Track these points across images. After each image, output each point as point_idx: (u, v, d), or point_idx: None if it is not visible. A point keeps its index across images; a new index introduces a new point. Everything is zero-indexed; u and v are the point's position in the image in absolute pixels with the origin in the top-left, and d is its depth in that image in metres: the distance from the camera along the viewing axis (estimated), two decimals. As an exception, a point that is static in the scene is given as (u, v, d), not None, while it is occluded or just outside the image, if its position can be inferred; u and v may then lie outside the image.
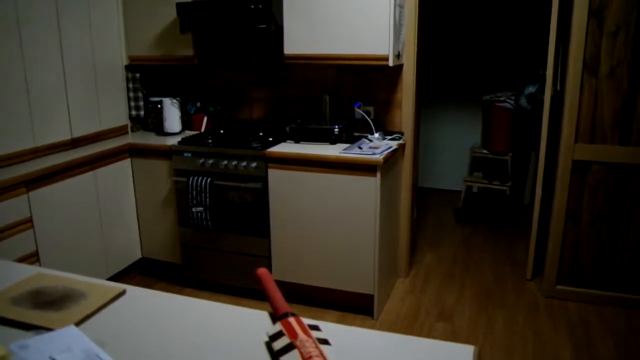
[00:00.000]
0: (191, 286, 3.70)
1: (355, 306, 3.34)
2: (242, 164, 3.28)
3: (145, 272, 3.91)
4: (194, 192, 3.37)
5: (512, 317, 3.27)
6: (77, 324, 1.29)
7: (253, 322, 1.26)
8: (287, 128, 3.47)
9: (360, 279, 3.21)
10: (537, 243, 3.72)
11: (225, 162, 3.32)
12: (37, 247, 2.92)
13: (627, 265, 3.34)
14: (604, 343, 2.99)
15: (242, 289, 3.54)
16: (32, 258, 2.89)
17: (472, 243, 4.47)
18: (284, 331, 1.10)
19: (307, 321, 1.13)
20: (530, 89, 4.66)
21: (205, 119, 3.94)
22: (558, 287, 3.52)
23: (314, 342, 1.04)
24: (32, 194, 2.88)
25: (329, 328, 1.21)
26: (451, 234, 4.69)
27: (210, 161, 3.35)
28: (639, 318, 3.26)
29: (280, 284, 3.37)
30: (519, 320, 3.23)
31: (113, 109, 3.76)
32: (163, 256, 3.76)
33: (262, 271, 1.32)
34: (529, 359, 2.85)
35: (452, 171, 5.88)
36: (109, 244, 3.49)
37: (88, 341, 1.14)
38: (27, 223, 2.87)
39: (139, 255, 3.81)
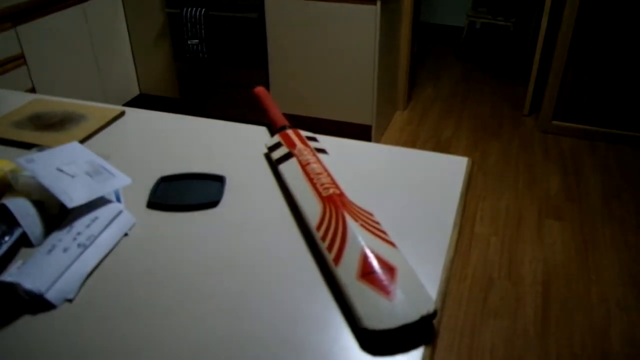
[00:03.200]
0: (191, 121, 3.73)
1: (353, 137, 3.39)
2: (237, -7, 3.14)
3: (144, 109, 3.92)
4: (189, 24, 3.27)
5: (506, 150, 3.34)
6: (80, 142, 1.31)
7: (252, 136, 1.28)
8: (283, -46, 3.27)
9: (358, 110, 3.23)
10: (537, 79, 3.69)
11: (219, -9, 3.18)
12: (32, 84, 2.89)
13: (625, 101, 3.34)
14: (592, 175, 3.09)
15: (242, 121, 3.58)
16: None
17: (471, 79, 4.43)
18: (282, 142, 1.12)
19: (304, 133, 1.15)
20: None
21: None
22: (554, 122, 3.55)
23: (311, 150, 1.07)
24: (19, 29, 2.78)
25: (326, 140, 1.24)
26: (451, 69, 4.63)
27: (204, -10, 3.21)
28: (628, 154, 3.33)
29: (279, 118, 3.40)
30: (512, 153, 3.31)
31: None
32: (161, 91, 3.74)
33: (259, 89, 1.32)
34: (519, 186, 2.96)
35: (455, 6, 5.65)
36: (106, 80, 3.45)
37: (91, 154, 1.16)
38: (20, 59, 2.81)
39: (137, 92, 3.80)
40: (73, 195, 0.98)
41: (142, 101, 3.88)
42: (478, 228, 2.64)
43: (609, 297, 2.24)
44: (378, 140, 3.39)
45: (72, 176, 1.04)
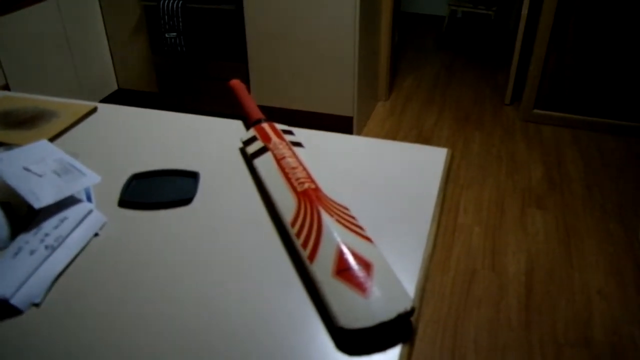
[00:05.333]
0: (171, 116, 3.69)
1: (334, 129, 3.37)
2: (214, -15, 3.10)
3: (122, 104, 3.86)
4: (166, 16, 3.21)
5: (488, 139, 3.34)
6: (50, 140, 1.28)
7: (228, 130, 1.25)
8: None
9: (339, 101, 3.21)
10: (518, 68, 3.69)
11: (196, -18, 3.13)
12: (6, 80, 2.83)
13: (606, 89, 3.35)
14: (574, 163, 3.09)
15: (223, 115, 3.54)
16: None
17: (453, 68, 4.43)
18: (258, 136, 1.09)
19: (280, 127, 1.12)
20: None
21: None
22: (535, 110, 3.56)
23: (287, 144, 1.05)
24: (-9, 22, 2.72)
25: (302, 133, 1.21)
26: (433, 59, 4.62)
27: (180, -18, 3.16)
28: (609, 142, 3.35)
29: (259, 108, 3.36)
30: (494, 142, 3.31)
31: None
32: (139, 86, 3.69)
33: (234, 82, 1.29)
34: (502, 176, 2.96)
35: (436, -5, 5.64)
36: (83, 76, 3.39)
37: (61, 152, 1.13)
38: (-8, 55, 2.75)
39: (115, 87, 3.74)
40: (40, 195, 0.94)
41: (121, 96, 3.82)
42: (461, 219, 2.64)
43: (591, 285, 2.25)
44: (360, 132, 3.37)
45: (40, 175, 1.01)
